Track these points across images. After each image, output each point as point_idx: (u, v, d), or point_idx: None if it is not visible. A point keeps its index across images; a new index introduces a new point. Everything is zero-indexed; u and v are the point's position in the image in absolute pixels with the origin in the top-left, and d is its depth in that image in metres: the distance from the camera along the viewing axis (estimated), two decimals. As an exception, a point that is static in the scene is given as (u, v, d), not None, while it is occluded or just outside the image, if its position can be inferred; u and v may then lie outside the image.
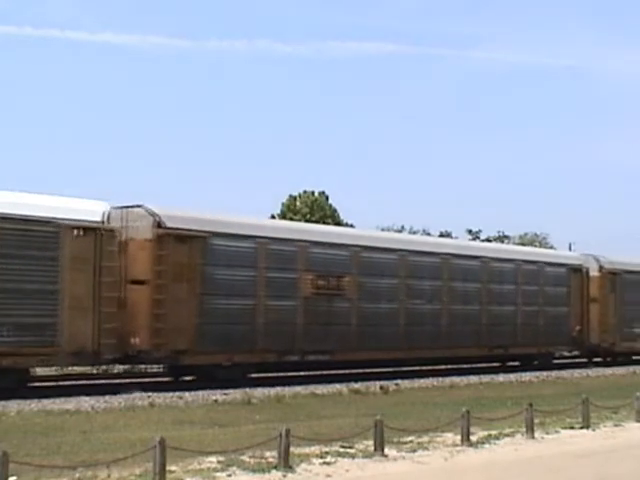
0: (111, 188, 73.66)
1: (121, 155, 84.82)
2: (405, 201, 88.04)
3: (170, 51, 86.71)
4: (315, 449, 11.53)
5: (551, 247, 61.81)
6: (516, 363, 30.18)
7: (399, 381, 22.76)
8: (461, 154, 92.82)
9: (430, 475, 10.71)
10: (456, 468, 11.09)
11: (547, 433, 14.11)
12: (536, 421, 14.07)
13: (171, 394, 18.47)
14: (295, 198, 59.31)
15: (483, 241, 58.77)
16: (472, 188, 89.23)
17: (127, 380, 21.29)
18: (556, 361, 32.06)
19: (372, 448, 11.55)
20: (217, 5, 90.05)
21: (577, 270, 32.57)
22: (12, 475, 8.86)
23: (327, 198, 59.67)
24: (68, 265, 18.38)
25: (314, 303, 23.31)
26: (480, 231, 65.44)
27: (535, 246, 59.76)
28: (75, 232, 18.53)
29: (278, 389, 19.73)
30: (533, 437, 13.53)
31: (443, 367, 27.34)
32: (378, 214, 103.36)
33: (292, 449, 10.62)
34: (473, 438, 12.86)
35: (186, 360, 20.64)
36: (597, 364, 32.60)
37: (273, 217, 55.26)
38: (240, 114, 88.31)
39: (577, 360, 33.65)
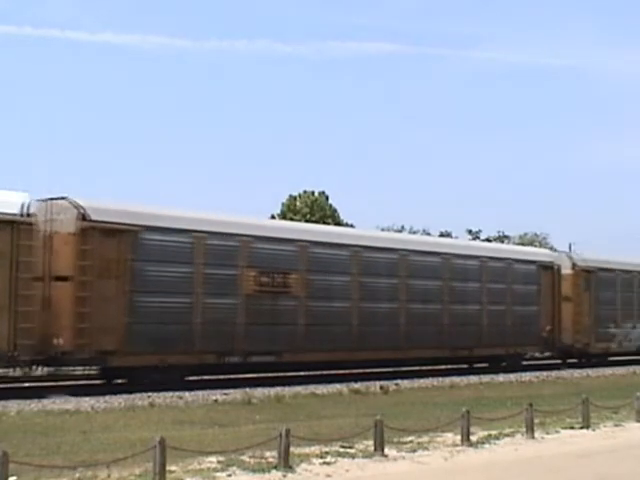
0: (110, 188, 73.72)
1: (121, 155, 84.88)
2: (405, 201, 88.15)
3: (170, 51, 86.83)
4: (315, 449, 11.53)
5: (551, 247, 61.85)
6: (484, 365, 28.80)
7: (399, 381, 22.78)
8: (461, 154, 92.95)
9: (430, 475, 10.71)
10: (456, 468, 11.08)
11: (547, 433, 14.11)
12: (536, 421, 14.07)
13: (171, 394, 18.48)
14: (295, 198, 59.35)
15: (483, 241, 58.75)
16: (472, 188, 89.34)
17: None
18: (527, 362, 30.83)
19: (372, 448, 11.55)
20: (217, 5, 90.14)
21: (548, 268, 31.29)
22: (12, 475, 8.86)
23: (327, 198, 59.72)
24: (-20, 260, 17.08)
25: (257, 301, 22.05)
26: (480, 231, 65.54)
27: (535, 246, 59.81)
28: None
29: (278, 389, 19.74)
30: (533, 437, 13.53)
31: (401, 369, 25.74)
32: (378, 214, 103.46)
33: (292, 449, 10.62)
34: (473, 438, 12.85)
35: (115, 362, 19.49)
36: (571, 365, 31.29)
37: (273, 217, 55.30)
38: (240, 114, 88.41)
39: (549, 361, 32.39)
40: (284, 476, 10.02)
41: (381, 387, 21.13)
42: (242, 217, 23.52)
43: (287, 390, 19.79)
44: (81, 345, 18.61)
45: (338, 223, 53.93)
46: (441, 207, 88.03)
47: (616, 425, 15.39)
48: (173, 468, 9.78)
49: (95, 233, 19.03)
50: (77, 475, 9.39)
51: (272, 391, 19.29)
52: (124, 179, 79.41)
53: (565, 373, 28.34)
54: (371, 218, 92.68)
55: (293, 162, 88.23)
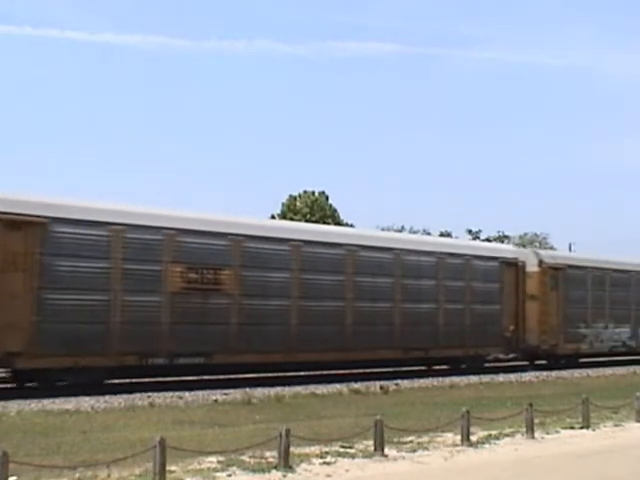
0: (110, 189, 73.75)
1: (121, 155, 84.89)
2: (405, 201, 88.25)
3: (170, 51, 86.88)
4: (315, 449, 11.52)
5: (551, 247, 61.90)
6: (444, 367, 27.56)
7: (399, 381, 22.78)
8: (461, 154, 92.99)
9: (430, 475, 10.70)
10: (456, 468, 11.08)
11: (547, 433, 14.11)
12: (536, 421, 14.07)
13: (171, 394, 18.49)
14: (295, 198, 59.39)
15: (483, 241, 58.71)
16: (472, 188, 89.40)
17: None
18: (491, 364, 29.13)
19: (372, 448, 11.55)
20: (217, 5, 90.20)
21: (511, 264, 29.57)
22: (12, 475, 8.86)
23: (327, 198, 59.77)
24: None
25: (184, 299, 20.64)
26: (480, 231, 65.60)
27: (535, 246, 59.79)
28: None
29: (278, 389, 19.74)
30: (533, 437, 13.53)
31: (348, 372, 24.55)
32: (378, 214, 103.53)
33: (292, 449, 10.62)
34: (473, 438, 12.85)
35: (21, 363, 18.14)
36: (539, 367, 29.86)
37: (273, 217, 55.36)
38: (240, 114, 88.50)
39: (515, 363, 30.57)
40: (284, 476, 10.02)
41: (381, 387, 21.13)
42: (166, 209, 21.75)
43: (287, 390, 19.80)
44: None
45: (338, 223, 53.98)
46: (441, 207, 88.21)
47: (616, 425, 15.39)
48: (173, 468, 9.77)
49: None
50: (77, 475, 9.39)
51: (272, 391, 19.30)
52: (124, 179, 79.48)
53: (565, 373, 28.31)
54: (371, 218, 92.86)
55: (293, 162, 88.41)
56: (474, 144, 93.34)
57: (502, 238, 63.73)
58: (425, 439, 12.81)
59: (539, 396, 19.21)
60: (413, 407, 17.40)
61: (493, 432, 13.62)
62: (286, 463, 10.32)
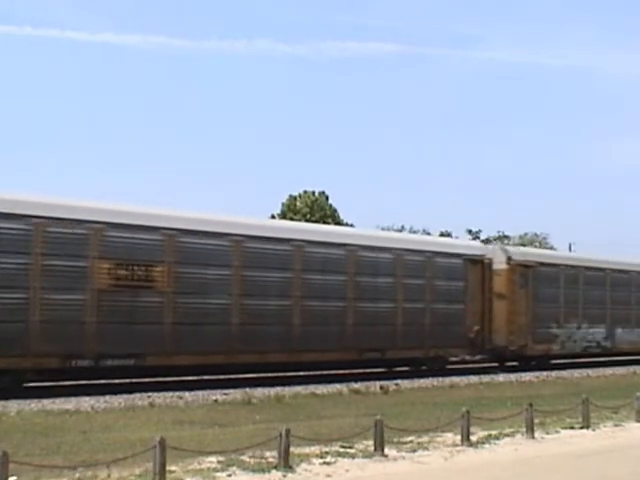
0: (110, 189, 73.74)
1: (121, 155, 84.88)
2: (405, 201, 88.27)
3: (170, 51, 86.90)
4: (315, 449, 11.53)
5: (551, 247, 61.91)
6: (404, 368, 26.26)
7: (399, 381, 22.77)
8: (461, 154, 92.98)
9: (430, 475, 10.70)
10: (456, 468, 11.08)
11: (547, 433, 14.11)
12: (536, 421, 14.07)
13: (171, 394, 18.50)
14: (295, 198, 59.38)
15: (483, 241, 58.67)
16: (472, 188, 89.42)
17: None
18: (457, 366, 28.05)
19: (372, 448, 11.55)
20: (217, 5, 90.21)
21: (477, 262, 28.10)
22: (12, 475, 8.86)
23: (327, 198, 59.77)
24: None
25: (112, 297, 19.44)
26: (480, 231, 65.61)
27: (535, 246, 59.79)
28: None
29: (278, 389, 19.75)
30: (533, 437, 13.53)
31: (294, 374, 23.37)
32: (378, 214, 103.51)
33: (292, 449, 10.62)
34: (473, 438, 12.86)
35: None
36: (508, 369, 28.49)
37: (273, 217, 55.35)
38: (240, 114, 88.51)
39: (481, 365, 29.14)
40: (284, 476, 10.02)
41: (381, 387, 21.13)
42: (93, 202, 20.23)
43: (287, 390, 19.80)
44: None
45: (338, 223, 53.99)
46: (441, 207, 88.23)
47: (616, 425, 15.39)
48: (173, 468, 9.78)
49: None
50: (77, 475, 9.39)
51: (272, 391, 19.30)
52: (124, 179, 79.45)
53: (565, 373, 28.31)
54: (371, 218, 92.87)
55: (293, 162, 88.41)
56: (474, 144, 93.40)
57: (502, 238, 63.75)
58: (425, 439, 12.81)
59: (539, 396, 19.22)
60: (413, 407, 17.40)
61: (493, 432, 13.62)
62: (286, 463, 10.32)
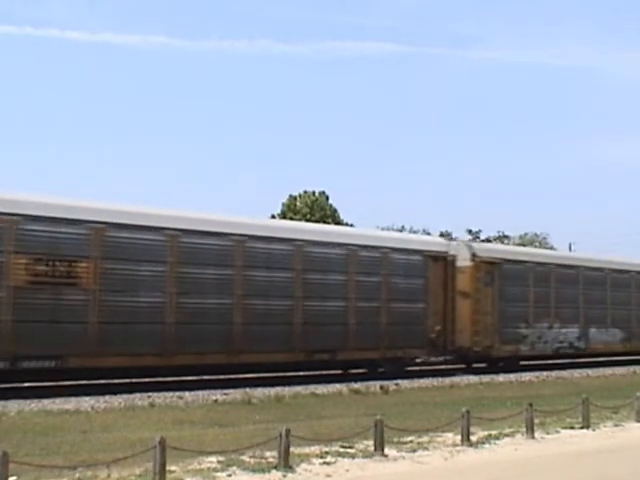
0: (108, 189, 73.73)
1: (121, 155, 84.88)
2: (405, 201, 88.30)
3: (170, 51, 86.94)
4: (315, 449, 11.53)
5: (551, 247, 61.89)
6: (361, 370, 24.98)
7: (399, 381, 22.76)
8: (461, 154, 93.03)
9: (430, 475, 10.71)
10: (456, 468, 11.08)
11: (547, 433, 14.11)
12: (536, 421, 14.08)
13: (171, 394, 18.50)
14: (295, 198, 59.36)
15: (483, 241, 58.65)
16: (472, 188, 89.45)
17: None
18: (420, 368, 27.03)
19: (372, 448, 11.56)
20: (217, 5, 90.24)
21: (438, 258, 26.70)
22: (12, 475, 8.86)
23: (327, 198, 59.74)
24: None
25: (31, 295, 18.26)
26: (480, 231, 65.58)
27: (535, 246, 59.78)
28: None
29: (278, 389, 19.75)
30: (533, 437, 13.53)
31: (241, 376, 22.23)
32: (378, 214, 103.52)
33: (292, 449, 10.63)
34: (473, 438, 12.86)
35: None
36: (475, 371, 27.06)
37: (273, 217, 55.35)
38: (240, 114, 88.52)
39: (444, 367, 27.84)
40: (284, 476, 10.03)
41: (381, 387, 21.13)
42: (7, 193, 18.90)
43: (287, 390, 19.80)
44: None
45: (338, 223, 53.97)
46: (441, 207, 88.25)
47: (616, 425, 15.39)
48: (173, 468, 9.78)
49: None
50: (77, 475, 9.40)
51: (272, 391, 19.30)
52: (124, 179, 79.48)
53: (565, 373, 28.30)
54: (371, 218, 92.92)
55: (293, 162, 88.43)
56: (474, 144, 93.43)
57: (502, 238, 63.73)
58: (425, 439, 12.81)
59: (539, 396, 19.22)
60: (413, 407, 17.40)
61: (493, 432, 13.62)
62: (286, 463, 10.32)
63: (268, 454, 10.81)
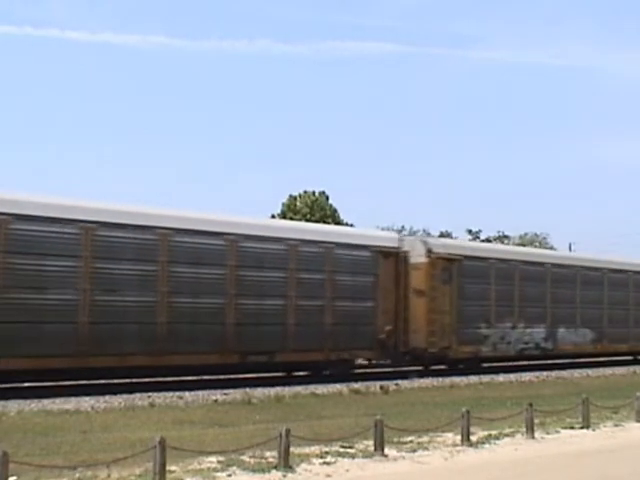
0: (107, 189, 73.75)
1: (121, 155, 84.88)
2: (405, 201, 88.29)
3: (170, 51, 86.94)
4: (315, 449, 11.53)
5: (551, 247, 61.87)
6: (303, 373, 23.98)
7: (399, 381, 22.76)
8: (461, 154, 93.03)
9: (430, 475, 10.71)
10: (456, 468, 11.08)
11: (547, 433, 14.11)
12: (536, 421, 14.08)
13: (171, 394, 18.49)
14: (295, 198, 59.34)
15: (483, 241, 58.52)
16: (472, 188, 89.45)
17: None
18: (365, 370, 25.61)
19: (372, 448, 11.55)
20: (217, 5, 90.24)
21: (390, 254, 25.10)
22: (12, 475, 8.86)
23: (327, 198, 59.71)
24: None
25: None
26: (480, 231, 65.56)
27: (535, 246, 59.76)
28: None
29: (278, 389, 19.74)
30: (533, 437, 13.53)
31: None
32: (378, 214, 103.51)
33: (292, 449, 10.62)
34: (473, 438, 12.86)
35: None
36: (431, 373, 25.57)
37: (273, 217, 55.32)
38: (240, 114, 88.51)
39: (392, 369, 25.66)
40: (284, 476, 10.03)
41: (381, 387, 21.12)
42: None
43: (287, 390, 19.80)
44: None
45: (338, 223, 53.93)
46: (441, 207, 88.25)
47: (616, 425, 15.40)
48: (173, 468, 9.78)
49: None
50: (77, 475, 9.40)
51: (272, 391, 19.30)
52: (123, 179, 79.46)
53: (565, 373, 28.28)
54: (371, 218, 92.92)
55: (293, 162, 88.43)
56: (474, 144, 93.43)
57: (502, 238, 63.70)
58: (425, 439, 12.81)
59: (539, 396, 19.22)
60: (413, 407, 17.40)
61: (493, 432, 13.62)
62: (286, 463, 10.32)
63: (268, 454, 10.81)
